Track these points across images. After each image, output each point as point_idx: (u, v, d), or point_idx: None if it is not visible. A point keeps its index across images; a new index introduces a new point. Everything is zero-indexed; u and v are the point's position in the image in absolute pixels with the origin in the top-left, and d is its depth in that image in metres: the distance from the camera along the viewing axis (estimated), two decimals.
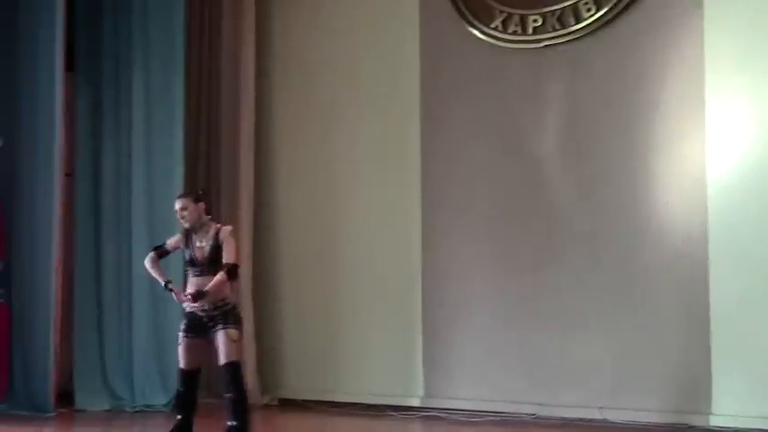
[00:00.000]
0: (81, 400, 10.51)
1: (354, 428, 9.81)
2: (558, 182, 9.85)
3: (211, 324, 7.74)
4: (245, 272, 10.90)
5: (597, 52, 9.75)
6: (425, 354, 10.34)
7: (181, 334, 7.89)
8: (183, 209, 7.88)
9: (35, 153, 10.33)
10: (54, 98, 10.17)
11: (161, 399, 10.40)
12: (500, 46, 10.17)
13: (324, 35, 11.19)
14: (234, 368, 7.69)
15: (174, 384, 8.80)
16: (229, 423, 7.61)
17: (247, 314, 10.59)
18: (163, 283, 7.86)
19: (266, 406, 10.67)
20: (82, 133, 11.11)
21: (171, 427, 8.02)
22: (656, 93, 9.46)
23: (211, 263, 7.73)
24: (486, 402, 9.94)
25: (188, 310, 7.82)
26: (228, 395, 7.67)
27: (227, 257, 7.71)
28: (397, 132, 10.66)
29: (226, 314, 7.74)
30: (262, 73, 11.35)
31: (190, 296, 7.65)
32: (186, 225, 7.88)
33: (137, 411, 10.35)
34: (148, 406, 10.31)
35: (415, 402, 10.32)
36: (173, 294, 7.82)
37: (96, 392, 10.60)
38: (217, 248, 7.75)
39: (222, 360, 7.70)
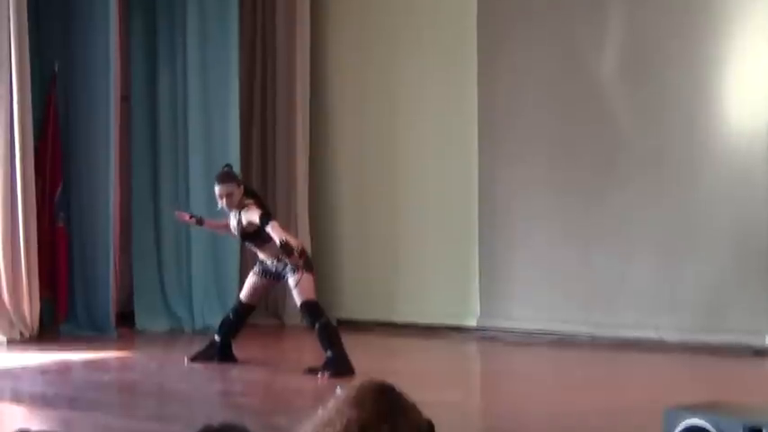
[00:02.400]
0: (141, 320, 10.67)
1: (411, 348, 9.88)
2: (619, 106, 9.74)
3: (282, 273, 8.09)
4: (301, 195, 10.96)
5: None
6: (482, 275, 10.36)
7: (255, 269, 8.31)
8: (229, 195, 8.02)
9: (91, 76, 10.34)
10: (108, 20, 10.13)
11: (219, 319, 10.49)
12: None
13: None
14: (308, 306, 8.01)
15: (232, 304, 8.97)
16: (327, 355, 7.87)
17: (304, 236, 10.66)
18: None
19: None
20: (137, 56, 11.12)
21: (206, 343, 8.54)
22: (718, 10, 9.29)
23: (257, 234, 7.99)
24: (543, 323, 9.96)
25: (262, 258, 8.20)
26: (314, 330, 7.96)
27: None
28: (455, 59, 10.58)
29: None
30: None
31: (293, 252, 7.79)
32: (228, 209, 8.10)
33: (196, 332, 10.47)
34: (207, 326, 10.42)
35: (472, 323, 10.35)
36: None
37: (156, 313, 10.74)
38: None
39: (297, 301, 8.08)
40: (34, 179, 9.78)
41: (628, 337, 9.51)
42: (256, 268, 8.31)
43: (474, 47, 10.38)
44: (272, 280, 8.29)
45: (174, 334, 10.52)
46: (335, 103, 11.33)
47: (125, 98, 10.87)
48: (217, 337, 8.52)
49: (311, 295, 8.04)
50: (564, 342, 9.68)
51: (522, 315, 10.11)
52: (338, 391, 3.65)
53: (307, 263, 8.07)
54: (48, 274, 10.22)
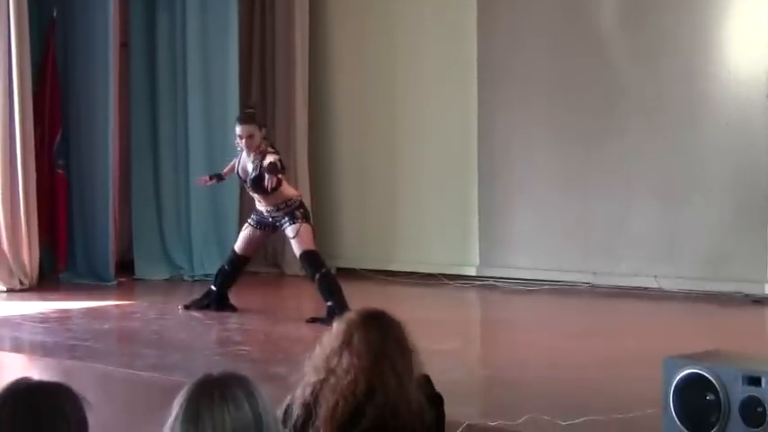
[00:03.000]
0: (141, 269, 10.67)
1: (410, 296, 9.86)
2: (618, 51, 9.68)
3: (279, 224, 8.06)
4: (301, 139, 10.93)
5: None
6: (482, 223, 10.35)
7: (249, 221, 8.28)
8: (250, 136, 7.93)
9: (90, 23, 10.28)
10: None
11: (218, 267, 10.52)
12: None
13: None
14: (308, 255, 8.01)
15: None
16: (328, 305, 7.87)
17: (303, 183, 10.64)
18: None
19: None
20: (135, 1, 11.02)
21: (203, 291, 8.61)
22: None
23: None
24: (542, 271, 9.96)
25: (259, 208, 8.15)
26: (314, 280, 7.97)
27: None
28: (454, 4, 10.49)
29: (291, 212, 7.98)
30: None
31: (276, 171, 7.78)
32: (247, 151, 8.00)
33: (195, 280, 10.48)
34: (207, 275, 10.42)
35: (471, 271, 10.35)
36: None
37: (155, 262, 10.75)
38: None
39: (297, 252, 8.08)
40: (33, 126, 9.75)
41: (627, 286, 9.53)
42: (251, 220, 8.29)
43: None
44: (268, 231, 8.30)
45: (174, 282, 10.54)
46: (334, 46, 11.27)
47: (124, 45, 10.80)
48: (213, 287, 8.53)
49: (311, 245, 8.04)
50: (563, 290, 9.69)
51: (522, 263, 10.12)
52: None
53: (305, 214, 8.07)
54: (47, 223, 10.22)
